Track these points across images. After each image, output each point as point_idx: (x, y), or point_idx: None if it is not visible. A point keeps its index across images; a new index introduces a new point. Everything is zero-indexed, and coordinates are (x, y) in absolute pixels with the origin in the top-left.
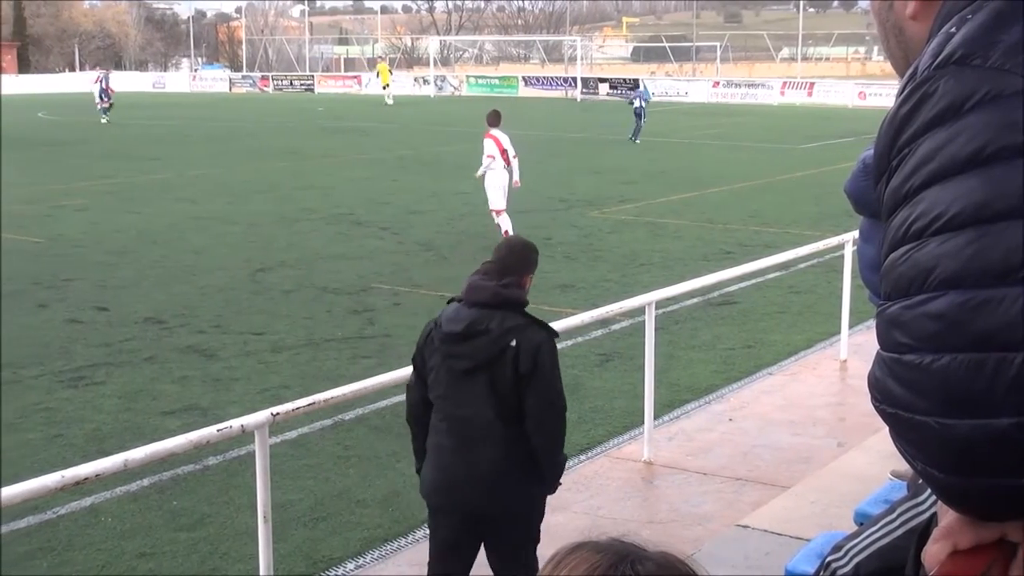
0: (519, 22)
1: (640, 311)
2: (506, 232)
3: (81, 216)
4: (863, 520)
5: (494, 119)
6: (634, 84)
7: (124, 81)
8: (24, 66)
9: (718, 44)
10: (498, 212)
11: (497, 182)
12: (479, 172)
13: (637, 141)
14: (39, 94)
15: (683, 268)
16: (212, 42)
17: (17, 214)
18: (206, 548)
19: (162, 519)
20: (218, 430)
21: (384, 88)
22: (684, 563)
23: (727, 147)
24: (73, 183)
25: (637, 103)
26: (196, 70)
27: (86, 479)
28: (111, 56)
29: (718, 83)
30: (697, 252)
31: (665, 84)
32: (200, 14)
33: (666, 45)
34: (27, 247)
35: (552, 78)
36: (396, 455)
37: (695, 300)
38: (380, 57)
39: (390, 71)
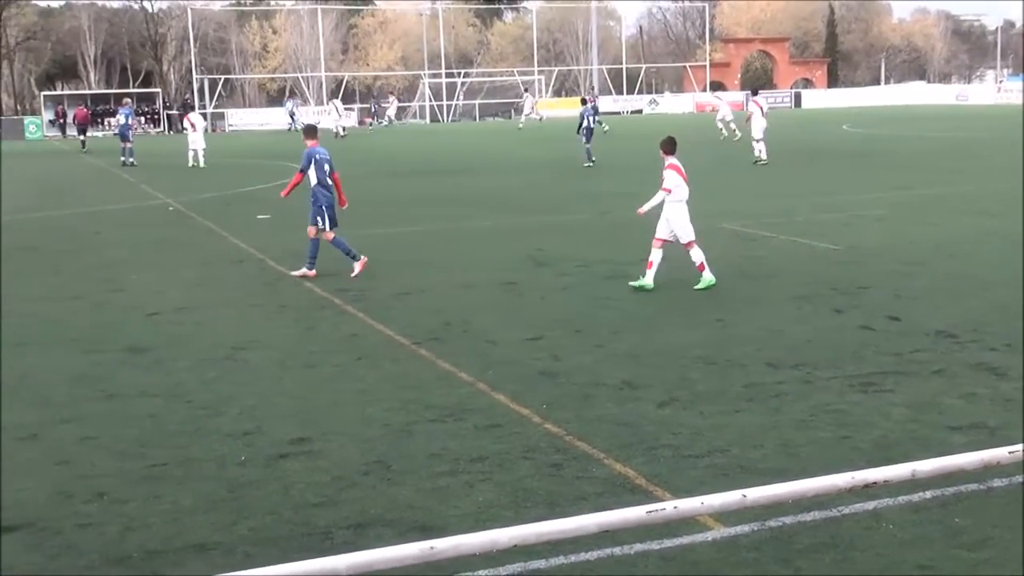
0: None
1: None
2: None
3: (879, 226)
4: None
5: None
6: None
7: (926, 94)
8: (832, 80)
9: None
10: None
11: None
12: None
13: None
14: (844, 108)
15: None
16: (1019, 52)
17: (819, 222)
18: (987, 570)
19: (941, 534)
20: (1009, 452)
21: None
22: None
23: None
24: (872, 193)
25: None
26: (1001, 82)
27: (874, 483)
28: (916, 69)
29: None
30: None
31: None
32: (1008, 24)
33: None
34: (827, 253)
35: None
36: None
37: None
38: None
39: None
